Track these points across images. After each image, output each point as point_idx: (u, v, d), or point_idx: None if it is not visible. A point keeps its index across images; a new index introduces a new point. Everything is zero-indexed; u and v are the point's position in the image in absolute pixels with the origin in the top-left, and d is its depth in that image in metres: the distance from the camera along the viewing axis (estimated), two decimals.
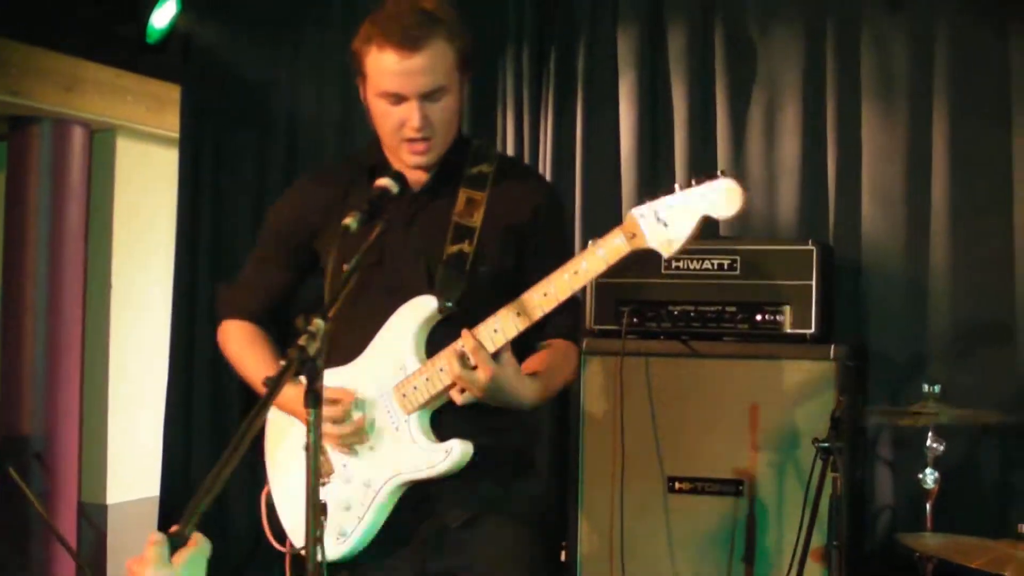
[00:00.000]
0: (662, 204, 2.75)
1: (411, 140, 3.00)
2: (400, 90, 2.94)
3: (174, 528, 1.82)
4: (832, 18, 4.91)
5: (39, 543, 5.74)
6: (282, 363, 2.21)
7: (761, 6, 5.05)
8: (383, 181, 2.89)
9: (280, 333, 3.33)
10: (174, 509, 5.84)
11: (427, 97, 2.95)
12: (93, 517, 6.10)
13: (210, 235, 5.90)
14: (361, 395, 3.05)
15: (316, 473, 2.32)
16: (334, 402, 3.00)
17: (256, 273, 3.34)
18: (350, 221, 2.71)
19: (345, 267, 2.65)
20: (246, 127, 5.95)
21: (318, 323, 2.29)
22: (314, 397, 2.28)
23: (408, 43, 2.90)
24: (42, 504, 5.38)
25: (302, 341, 2.24)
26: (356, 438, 3.03)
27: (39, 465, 5.83)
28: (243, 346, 3.30)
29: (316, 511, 2.33)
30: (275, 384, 2.14)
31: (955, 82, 4.68)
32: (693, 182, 2.72)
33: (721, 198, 2.70)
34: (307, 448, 2.29)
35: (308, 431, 2.29)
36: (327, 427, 2.98)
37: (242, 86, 5.90)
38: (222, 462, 1.95)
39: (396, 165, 3.08)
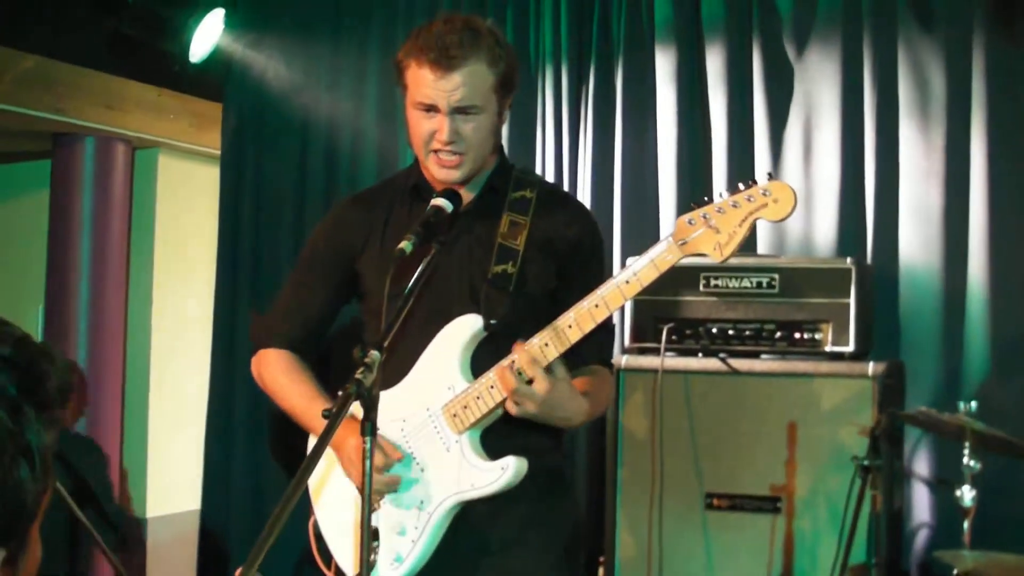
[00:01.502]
0: (712, 209, 2.76)
1: (439, 152, 3.03)
2: (433, 101, 2.98)
3: (239, 572, 1.88)
4: (869, 36, 4.92)
5: (84, 556, 5.79)
6: (340, 395, 2.26)
7: (798, 25, 5.07)
8: (438, 201, 2.93)
9: (316, 361, 3.33)
10: (214, 522, 5.90)
11: (459, 111, 2.99)
12: (133, 530, 6.14)
13: (250, 253, 5.96)
14: (410, 418, 3.06)
15: (369, 500, 2.36)
16: (382, 449, 3.01)
17: (294, 299, 3.32)
18: (405, 244, 2.75)
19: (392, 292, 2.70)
20: (286, 145, 6.00)
21: (374, 355, 2.34)
22: (370, 426, 2.34)
23: (444, 62, 2.94)
24: (86, 517, 5.43)
25: (359, 374, 2.29)
26: (389, 489, 3.04)
27: (82, 480, 5.88)
28: (283, 376, 3.26)
29: (368, 535, 2.37)
30: (335, 417, 2.19)
31: (992, 101, 4.68)
32: (741, 186, 2.74)
33: (771, 200, 2.71)
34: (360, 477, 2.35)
35: (363, 457, 2.33)
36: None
37: (282, 104, 5.96)
38: (283, 501, 2.01)
39: (430, 182, 3.12)
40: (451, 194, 2.99)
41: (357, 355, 2.37)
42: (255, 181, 6.02)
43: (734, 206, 2.73)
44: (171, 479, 6.20)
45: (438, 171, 3.06)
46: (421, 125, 3.03)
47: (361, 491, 3.01)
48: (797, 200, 2.71)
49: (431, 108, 2.99)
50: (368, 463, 2.34)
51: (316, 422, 3.11)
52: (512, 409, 2.91)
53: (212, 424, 5.87)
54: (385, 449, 3.01)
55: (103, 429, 5.99)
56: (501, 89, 3.06)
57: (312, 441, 3.26)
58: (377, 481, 3.01)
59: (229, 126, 6.04)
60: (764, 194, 2.71)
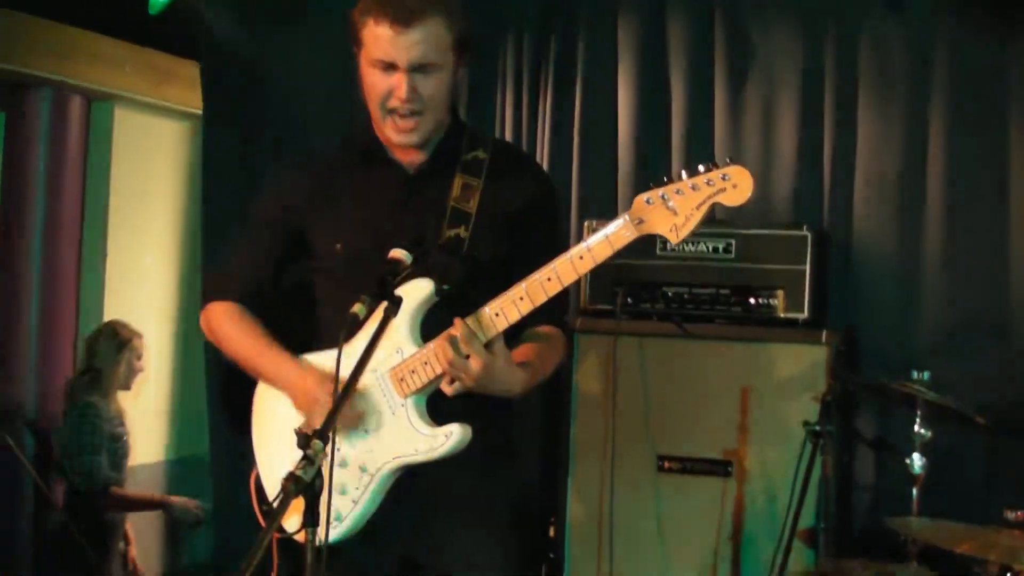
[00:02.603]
0: (670, 190, 2.74)
1: (397, 113, 2.99)
2: (392, 58, 2.94)
3: None
4: (832, 6, 4.92)
5: (32, 511, 5.76)
6: (282, 483, 2.28)
7: None
8: (397, 253, 2.86)
9: (266, 314, 3.30)
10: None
11: (417, 69, 2.95)
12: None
13: (237, 213, 5.91)
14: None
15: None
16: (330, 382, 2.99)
17: (244, 256, 3.30)
18: (359, 308, 2.69)
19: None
20: (262, 101, 5.95)
21: (317, 444, 2.33)
22: (312, 517, 2.36)
23: (403, 18, 2.90)
24: (36, 471, 5.40)
25: (299, 469, 2.29)
26: (353, 421, 3.02)
27: (33, 435, 5.84)
28: (232, 326, 3.23)
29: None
30: (276, 515, 2.24)
31: (953, 73, 4.70)
32: (701, 168, 2.72)
33: (730, 185, 2.70)
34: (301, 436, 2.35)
35: (307, 550, 2.38)
36: (319, 416, 2.91)
37: (245, 62, 5.90)
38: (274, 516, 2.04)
39: (385, 144, 3.09)
40: (413, 244, 2.91)
41: (300, 444, 2.35)
42: (238, 139, 5.96)
43: (693, 188, 2.72)
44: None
45: (394, 135, 3.03)
46: (378, 84, 2.99)
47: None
48: (753, 186, 2.70)
49: (389, 66, 2.96)
50: (311, 555, 2.36)
51: (267, 368, 3.14)
52: (447, 389, 2.90)
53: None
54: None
55: (56, 385, 5.93)
56: (458, 48, 3.02)
57: (259, 395, 3.24)
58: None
59: (208, 83, 5.98)
60: (723, 178, 2.70)
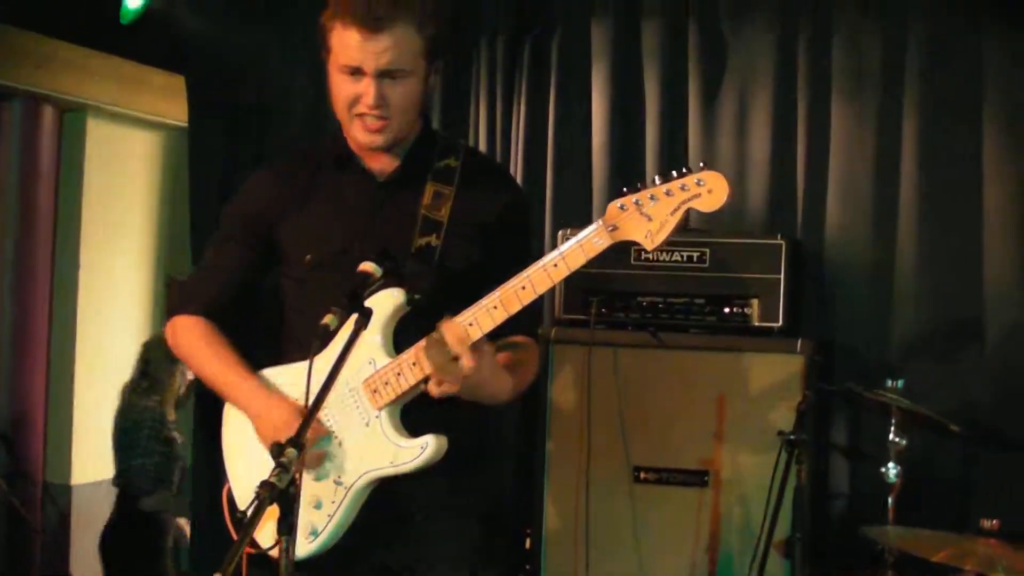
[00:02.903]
0: (644, 196, 2.72)
1: (363, 116, 2.95)
2: (359, 64, 2.89)
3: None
4: (805, 15, 4.93)
5: (3, 522, 5.72)
6: (256, 492, 2.25)
7: (735, 1, 5.06)
8: (367, 266, 2.83)
9: (236, 329, 3.25)
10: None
11: (386, 75, 2.91)
12: (57, 497, 6.07)
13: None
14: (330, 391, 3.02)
15: None
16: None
17: (212, 266, 3.24)
18: (330, 319, 2.64)
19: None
20: (243, 109, 5.92)
21: (291, 453, 2.30)
22: (288, 527, 2.33)
23: (372, 23, 2.86)
24: (7, 484, 5.37)
25: (273, 476, 2.26)
26: (313, 465, 2.98)
27: (4, 446, 5.81)
28: (200, 343, 3.17)
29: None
30: (250, 523, 2.19)
31: (926, 79, 4.71)
32: (675, 174, 2.70)
33: (705, 190, 2.68)
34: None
35: (280, 556, 2.35)
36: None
37: (220, 67, 5.87)
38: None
39: (356, 152, 3.06)
40: (382, 256, 2.88)
41: (274, 452, 2.32)
42: (222, 147, 5.93)
43: (667, 194, 2.70)
44: (96, 447, 6.12)
45: (361, 135, 2.99)
46: (345, 89, 2.95)
47: None
48: (728, 192, 2.68)
49: (356, 71, 2.93)
50: (284, 561, 2.33)
51: (234, 390, 3.08)
52: (433, 390, 2.84)
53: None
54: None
55: (27, 393, 5.90)
56: (430, 54, 2.98)
57: (228, 409, 3.21)
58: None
59: (194, 96, 5.95)
60: (698, 183, 2.68)
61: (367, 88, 2.91)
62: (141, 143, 6.15)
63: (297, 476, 2.33)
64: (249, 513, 2.18)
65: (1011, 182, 4.57)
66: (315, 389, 2.59)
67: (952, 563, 3.40)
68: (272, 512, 2.34)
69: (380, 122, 2.95)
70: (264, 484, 2.25)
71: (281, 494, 2.27)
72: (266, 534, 3.02)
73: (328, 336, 2.70)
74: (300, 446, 2.33)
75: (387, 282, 2.90)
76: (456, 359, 2.79)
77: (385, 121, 2.96)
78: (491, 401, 2.96)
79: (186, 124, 5.96)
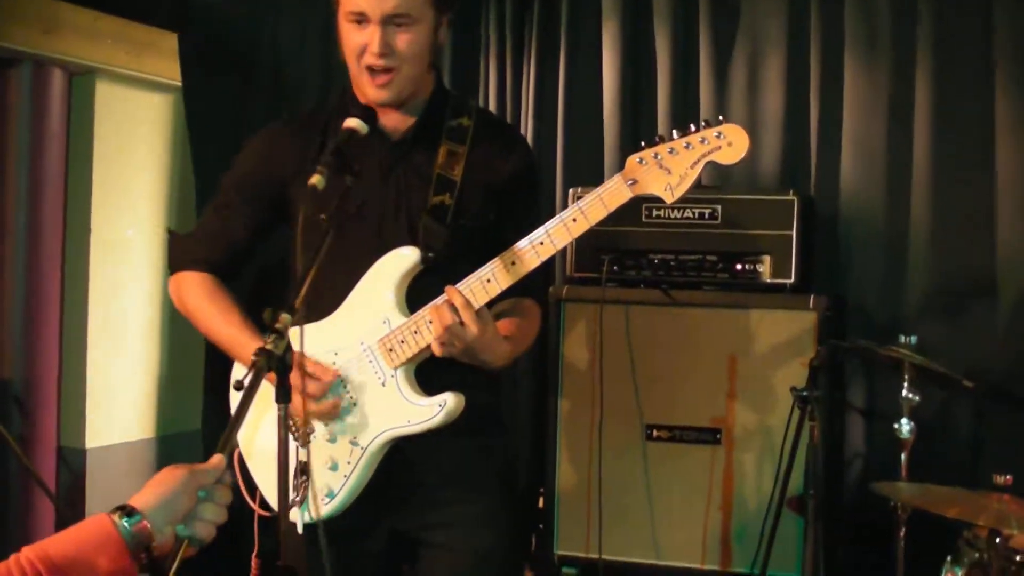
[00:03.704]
0: (663, 149, 2.72)
1: (372, 70, 2.94)
2: (363, 9, 2.88)
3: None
4: None
5: (18, 487, 5.73)
6: (252, 359, 2.19)
7: None
8: (351, 122, 2.82)
9: (241, 287, 3.25)
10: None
11: (391, 22, 2.89)
12: (72, 461, 6.08)
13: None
14: (343, 351, 3.00)
15: (286, 468, 2.31)
16: (315, 376, 2.95)
17: (217, 223, 3.23)
18: (316, 180, 2.60)
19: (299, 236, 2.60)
20: (241, 69, 5.90)
21: (285, 318, 2.26)
22: (285, 393, 2.28)
23: None
24: (21, 448, 5.37)
25: (269, 343, 2.22)
26: (330, 415, 2.99)
27: (18, 410, 5.81)
28: (206, 302, 3.18)
29: (286, 501, 2.33)
30: (248, 392, 2.13)
31: (939, 36, 4.67)
32: (693, 127, 2.70)
33: (725, 143, 2.68)
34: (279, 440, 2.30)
35: (279, 426, 2.28)
36: (300, 402, 2.92)
37: (226, 29, 5.86)
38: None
39: (368, 106, 3.03)
40: (366, 112, 2.87)
41: (268, 318, 2.27)
42: (220, 108, 5.92)
43: (687, 147, 2.70)
44: (110, 410, 6.13)
45: (370, 90, 2.97)
46: (352, 38, 2.94)
47: (294, 426, 2.98)
48: (748, 144, 2.68)
49: (362, 18, 2.90)
50: (283, 430, 2.28)
51: (243, 351, 3.07)
52: (437, 350, 2.86)
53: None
54: (316, 372, 2.95)
55: (41, 360, 5.90)
56: (438, 2, 2.97)
57: (237, 368, 3.21)
58: (315, 411, 2.98)
59: (186, 54, 5.93)
60: (718, 136, 2.69)
61: (372, 35, 2.89)
62: (151, 106, 6.12)
63: (287, 355, 2.28)
64: (246, 382, 2.14)
65: (1021, 143, 4.54)
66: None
67: (965, 519, 3.39)
68: (274, 474, 2.31)
69: (386, 75, 2.93)
70: (260, 351, 2.21)
71: (279, 361, 2.24)
72: (272, 494, 3.03)
73: (317, 196, 2.59)
74: (293, 311, 2.29)
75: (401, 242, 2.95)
76: (462, 324, 2.80)
77: (391, 73, 2.94)
78: (485, 367, 2.96)
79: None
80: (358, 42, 2.93)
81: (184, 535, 1.97)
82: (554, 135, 5.32)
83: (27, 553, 1.83)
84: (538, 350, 4.56)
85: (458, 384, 2.96)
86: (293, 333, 2.30)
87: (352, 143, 2.94)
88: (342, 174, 2.69)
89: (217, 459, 2.04)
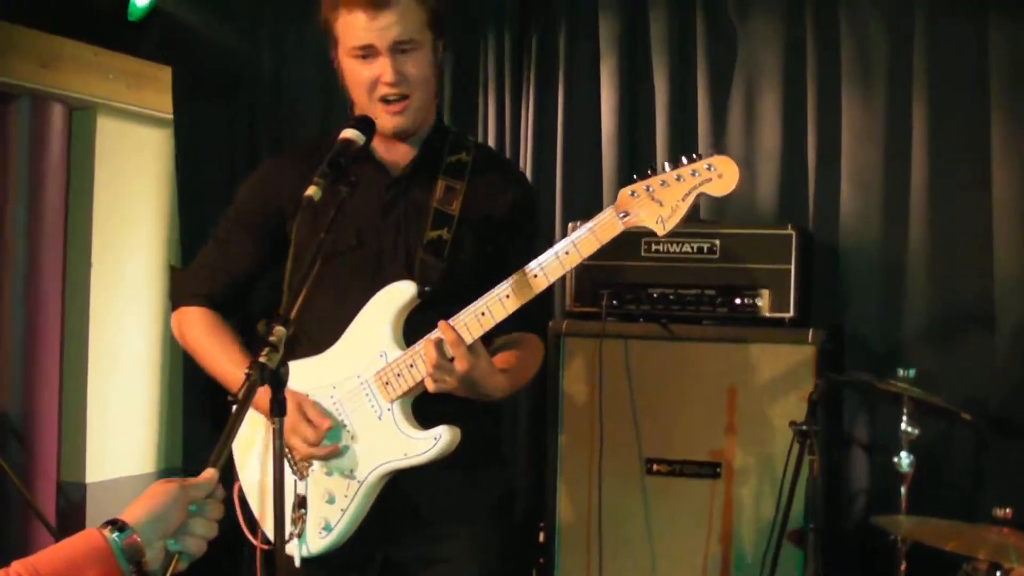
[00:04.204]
0: (655, 182, 2.73)
1: (387, 100, 2.96)
2: (370, 42, 2.90)
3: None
4: (811, 3, 4.91)
5: (18, 521, 5.73)
6: (246, 374, 2.18)
7: None
8: (348, 132, 2.80)
9: (242, 321, 3.24)
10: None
11: (398, 49, 2.92)
12: (72, 495, 6.08)
13: (210, 215, 5.87)
14: (341, 384, 3.01)
15: (282, 480, 2.31)
16: (311, 423, 2.94)
17: (218, 256, 3.22)
18: (313, 191, 2.59)
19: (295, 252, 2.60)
20: (235, 103, 5.92)
21: (280, 331, 2.25)
22: (279, 406, 2.27)
23: (376, 1, 2.88)
24: (22, 482, 5.37)
25: (263, 357, 2.21)
26: (326, 458, 2.99)
27: (18, 443, 5.81)
28: (207, 337, 3.17)
29: (282, 518, 2.33)
30: (242, 405, 2.12)
31: (934, 67, 4.69)
32: (685, 160, 2.72)
33: (716, 175, 2.69)
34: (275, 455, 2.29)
35: (274, 438, 2.28)
36: (300, 445, 2.94)
37: (228, 62, 5.88)
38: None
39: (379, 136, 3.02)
40: (363, 123, 2.86)
41: (262, 330, 2.26)
42: (211, 141, 5.93)
43: (678, 179, 2.72)
44: (110, 444, 6.13)
45: (386, 121, 2.98)
46: (360, 73, 2.96)
47: (292, 461, 2.98)
48: (739, 176, 2.69)
49: (369, 52, 2.92)
50: (279, 442, 2.27)
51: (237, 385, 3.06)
52: (430, 386, 2.86)
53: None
54: (314, 421, 2.95)
55: (41, 395, 5.91)
56: (434, 25, 3.00)
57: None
58: (312, 454, 2.98)
59: (179, 87, 5.95)
60: (708, 168, 2.70)
61: (383, 66, 2.92)
62: (151, 140, 6.15)
63: (282, 368, 2.26)
64: (240, 395, 2.14)
65: (1017, 172, 4.55)
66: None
67: (965, 552, 3.39)
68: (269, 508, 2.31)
69: (402, 102, 2.96)
70: (254, 364, 2.20)
71: (272, 374, 2.23)
72: (273, 528, 3.03)
73: (311, 207, 2.60)
74: (288, 324, 2.29)
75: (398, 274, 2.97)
76: (452, 360, 2.81)
77: (406, 100, 2.97)
78: (484, 399, 2.95)
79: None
80: (368, 76, 2.95)
81: (174, 550, 1.97)
82: (553, 169, 5.33)
83: (16, 567, 1.82)
84: (538, 384, 4.56)
85: (456, 416, 2.96)
86: (293, 366, 2.30)
87: (353, 171, 2.97)
88: (338, 185, 2.68)
89: (209, 473, 2.04)
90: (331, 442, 2.98)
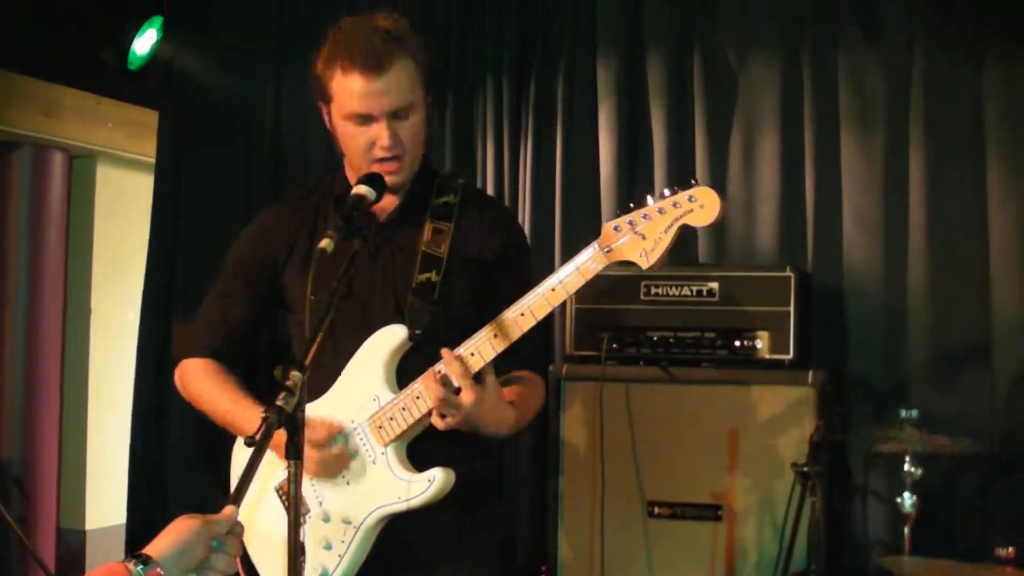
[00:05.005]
0: (637, 216, 2.75)
1: (382, 160, 2.97)
2: (368, 111, 2.92)
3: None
4: (809, 47, 4.93)
5: (18, 567, 5.71)
6: (263, 416, 2.19)
7: (738, 35, 5.07)
8: (360, 189, 2.82)
9: (244, 372, 3.26)
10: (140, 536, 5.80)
11: (395, 116, 2.94)
12: (71, 542, 6.07)
13: (187, 259, 5.85)
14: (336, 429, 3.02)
15: (297, 522, 2.31)
16: (316, 427, 2.96)
17: (217, 309, 3.25)
18: (327, 243, 2.63)
19: (313, 297, 2.62)
20: (228, 152, 5.94)
21: (296, 376, 2.27)
22: (295, 449, 2.28)
23: (373, 64, 2.88)
24: (21, 529, 5.36)
25: (280, 400, 2.22)
26: (338, 465, 3.00)
27: (18, 490, 5.81)
28: (207, 383, 3.19)
29: (296, 556, 2.33)
30: (260, 447, 2.14)
31: (931, 109, 4.70)
32: (666, 192, 2.73)
33: (697, 206, 2.70)
34: (286, 494, 2.29)
35: (289, 482, 2.28)
36: (309, 451, 2.91)
37: (224, 111, 5.89)
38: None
39: None
40: (374, 179, 2.89)
41: (278, 376, 2.28)
42: (193, 189, 5.95)
43: (660, 212, 2.73)
44: (109, 491, 6.13)
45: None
46: (356, 137, 2.97)
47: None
48: (722, 206, 2.70)
49: (366, 118, 2.95)
50: (293, 487, 2.28)
51: (243, 417, 3.07)
52: (438, 423, 2.85)
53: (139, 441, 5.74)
54: (318, 421, 2.96)
55: (41, 442, 5.91)
56: (427, 82, 3.02)
57: (239, 444, 3.21)
58: (326, 458, 2.97)
59: (165, 133, 5.97)
60: (690, 199, 2.71)
61: (380, 132, 2.94)
62: (150, 188, 6.18)
63: (298, 411, 2.27)
64: (258, 437, 2.15)
65: (1015, 214, 4.57)
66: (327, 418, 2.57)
67: None
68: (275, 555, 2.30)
69: (396, 162, 2.98)
70: (271, 407, 2.21)
71: (289, 418, 2.24)
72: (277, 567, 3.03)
73: (325, 260, 2.63)
74: (304, 369, 2.30)
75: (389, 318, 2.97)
76: (458, 391, 2.81)
77: (400, 160, 2.98)
78: (493, 433, 2.95)
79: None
80: (364, 141, 2.96)
81: None
82: (552, 213, 5.33)
83: None
84: (538, 428, 4.56)
85: (453, 456, 2.97)
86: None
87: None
88: (351, 239, 2.70)
89: (230, 510, 2.07)
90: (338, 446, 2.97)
